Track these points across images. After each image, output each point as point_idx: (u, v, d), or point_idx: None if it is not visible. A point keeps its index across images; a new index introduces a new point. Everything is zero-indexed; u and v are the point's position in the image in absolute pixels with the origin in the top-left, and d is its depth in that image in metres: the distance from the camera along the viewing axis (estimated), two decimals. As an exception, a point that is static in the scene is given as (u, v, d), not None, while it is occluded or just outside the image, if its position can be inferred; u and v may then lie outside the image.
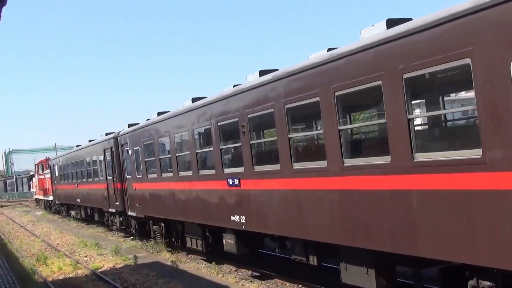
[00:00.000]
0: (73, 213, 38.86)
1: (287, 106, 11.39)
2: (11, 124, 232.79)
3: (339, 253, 10.95)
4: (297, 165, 11.39)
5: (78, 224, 37.08)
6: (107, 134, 28.04)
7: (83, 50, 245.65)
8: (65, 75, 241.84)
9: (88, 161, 31.25)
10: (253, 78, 13.44)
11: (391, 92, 8.59)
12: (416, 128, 9.37)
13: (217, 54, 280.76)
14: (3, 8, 9.87)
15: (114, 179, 25.18)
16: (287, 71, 11.38)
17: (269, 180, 12.42)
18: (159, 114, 20.28)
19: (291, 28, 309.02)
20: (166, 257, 19.85)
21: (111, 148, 25.35)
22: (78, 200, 34.79)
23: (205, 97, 16.23)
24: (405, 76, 8.30)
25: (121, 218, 25.97)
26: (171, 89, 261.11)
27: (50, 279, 17.90)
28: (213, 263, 17.13)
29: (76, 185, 34.30)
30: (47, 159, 50.45)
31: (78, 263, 20.38)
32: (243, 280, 14.97)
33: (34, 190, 58.46)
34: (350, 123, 10.47)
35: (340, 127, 9.89)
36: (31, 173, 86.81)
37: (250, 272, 15.81)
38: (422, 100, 10.40)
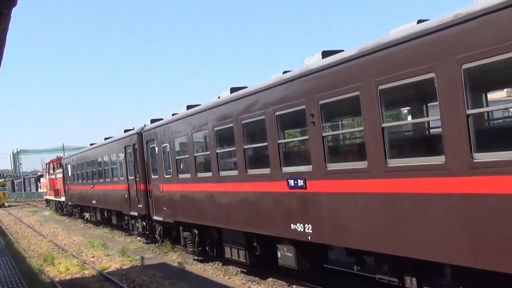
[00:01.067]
0: (87, 215, 36.27)
1: (380, 87, 8.96)
2: (19, 125, 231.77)
3: (452, 274, 8.55)
4: (394, 162, 8.97)
5: (85, 225, 36.36)
6: (125, 131, 25.65)
7: (91, 52, 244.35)
8: (73, 76, 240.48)
9: (105, 159, 28.83)
10: (314, 61, 11.07)
11: None
12: None
13: (214, 58, 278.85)
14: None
15: (137, 179, 22.71)
16: (382, 42, 8.95)
17: (349, 181, 10.00)
18: (188, 107, 17.94)
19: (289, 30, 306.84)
20: (172, 258, 19.62)
21: (133, 145, 22.86)
22: (93, 201, 32.27)
23: (245, 87, 13.97)
24: None
25: (144, 223, 23.45)
26: (175, 90, 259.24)
27: (57, 279, 17.88)
28: (220, 264, 17.01)
29: (92, 185, 31.85)
30: (59, 158, 48.22)
31: (85, 263, 20.29)
32: (250, 282, 14.52)
33: (44, 190, 56.16)
34: (484, 106, 8.03)
35: (469, 111, 7.47)
36: (39, 173, 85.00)
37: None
38: None
